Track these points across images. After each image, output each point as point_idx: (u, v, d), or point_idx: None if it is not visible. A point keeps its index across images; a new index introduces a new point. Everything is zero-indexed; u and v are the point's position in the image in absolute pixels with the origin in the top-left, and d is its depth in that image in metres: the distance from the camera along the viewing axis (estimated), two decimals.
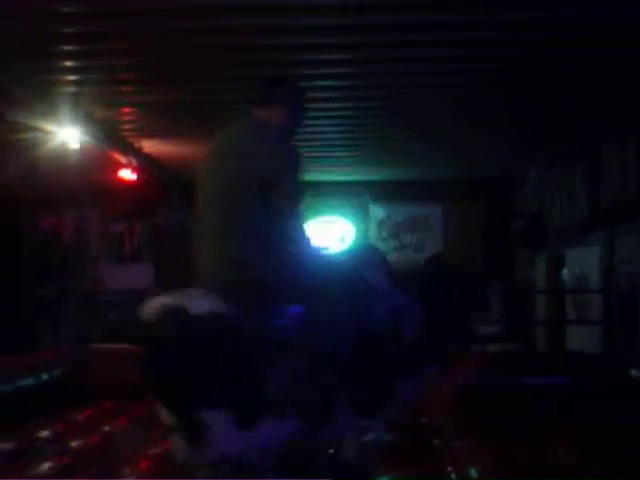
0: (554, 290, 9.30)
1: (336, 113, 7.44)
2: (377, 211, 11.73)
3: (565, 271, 8.88)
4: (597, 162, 7.74)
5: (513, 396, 4.35)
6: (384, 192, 11.35)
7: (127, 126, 7.89)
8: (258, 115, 3.20)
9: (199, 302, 2.72)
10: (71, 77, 6.12)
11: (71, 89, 6.35)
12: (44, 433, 3.65)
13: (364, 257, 3.21)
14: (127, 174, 8.73)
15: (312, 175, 10.42)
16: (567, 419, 3.91)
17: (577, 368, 4.81)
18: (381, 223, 11.76)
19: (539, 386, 4.52)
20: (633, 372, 4.46)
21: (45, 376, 4.37)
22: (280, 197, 2.85)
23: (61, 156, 7.39)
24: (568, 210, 8.75)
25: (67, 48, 5.52)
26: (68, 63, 5.83)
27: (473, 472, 3.06)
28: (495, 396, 4.32)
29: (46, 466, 3.18)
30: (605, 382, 4.48)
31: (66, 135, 7.11)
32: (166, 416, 2.71)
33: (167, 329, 2.67)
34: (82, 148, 7.38)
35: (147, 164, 9.08)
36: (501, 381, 4.52)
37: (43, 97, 6.42)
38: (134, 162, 8.65)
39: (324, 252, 3.33)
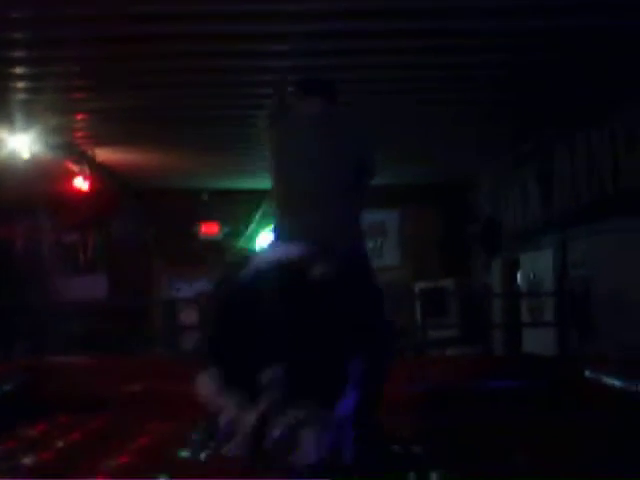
0: (510, 294, 9.42)
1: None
2: None
3: (520, 274, 9.01)
4: (549, 166, 7.88)
5: (470, 400, 4.38)
6: None
7: (80, 134, 7.78)
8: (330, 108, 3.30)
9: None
10: (22, 84, 6.02)
11: (23, 96, 6.25)
12: None
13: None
14: (80, 183, 8.60)
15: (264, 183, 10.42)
16: (523, 421, 3.96)
17: (533, 370, 4.87)
18: None
19: (496, 389, 4.57)
20: (587, 373, 4.54)
21: None
22: (367, 182, 3.20)
23: (13, 164, 7.26)
24: (522, 214, 8.88)
25: (18, 54, 5.43)
26: (19, 70, 5.74)
27: (434, 477, 3.08)
28: (452, 400, 4.35)
29: None
30: (560, 383, 4.55)
31: (18, 143, 6.99)
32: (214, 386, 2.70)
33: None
34: (34, 156, 7.25)
35: (101, 173, 8.96)
36: (458, 385, 4.56)
37: None
38: (87, 171, 8.53)
39: None
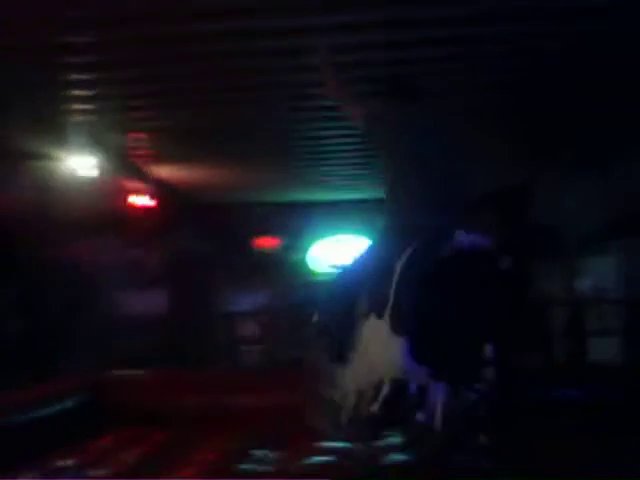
0: (573, 301, 9.21)
1: (348, 132, 7.45)
2: None
3: (584, 281, 8.80)
4: (614, 170, 7.69)
5: (536, 410, 4.29)
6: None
7: (139, 152, 7.94)
8: None
9: None
10: (83, 106, 6.18)
11: (83, 117, 6.41)
12: (64, 463, 3.64)
13: None
14: (143, 200, 8.77)
15: (323, 195, 10.45)
16: (589, 432, 3.86)
17: (599, 380, 4.74)
18: None
19: (562, 399, 4.47)
20: None
21: (64, 404, 4.36)
22: None
23: (75, 184, 7.44)
24: (585, 220, 8.69)
25: (77, 77, 5.58)
26: (79, 92, 5.89)
27: None
28: (518, 410, 4.26)
29: None
30: (628, 394, 4.42)
31: (79, 163, 7.16)
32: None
33: None
34: (96, 175, 7.42)
35: (163, 190, 9.13)
36: (524, 395, 4.47)
37: (56, 126, 6.48)
38: (150, 188, 8.69)
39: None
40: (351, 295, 3.15)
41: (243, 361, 9.32)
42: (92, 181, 7.46)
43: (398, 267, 3.02)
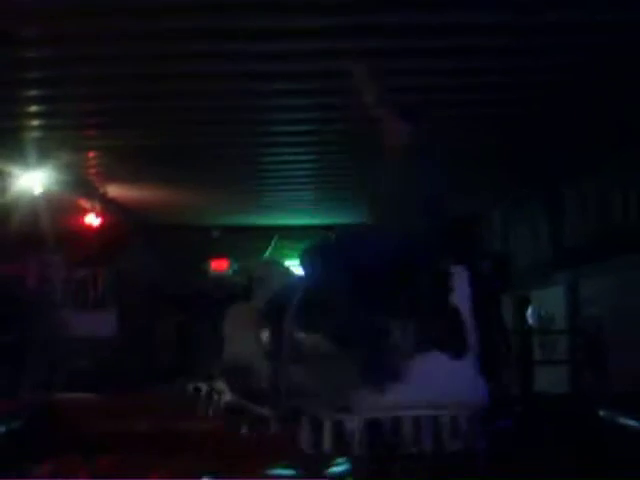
0: (521, 331, 9.34)
1: (304, 157, 7.50)
2: None
3: (530, 311, 8.94)
4: (560, 203, 7.87)
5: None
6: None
7: (92, 170, 7.84)
8: None
9: None
10: (35, 122, 6.09)
11: (35, 134, 6.31)
12: None
13: None
14: (91, 219, 8.64)
15: (280, 219, 10.44)
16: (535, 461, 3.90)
17: (545, 409, 4.80)
18: None
19: (507, 428, 4.50)
20: (600, 412, 4.48)
21: (3, 429, 4.24)
22: None
23: (25, 201, 7.30)
24: (533, 250, 8.85)
25: (32, 93, 5.50)
26: (32, 108, 5.80)
27: None
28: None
29: None
30: (574, 422, 4.48)
31: (30, 179, 7.04)
32: None
33: None
34: (46, 193, 7.30)
35: (111, 209, 9.01)
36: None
37: (8, 142, 6.36)
38: (98, 207, 8.57)
39: None
40: None
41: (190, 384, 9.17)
42: (42, 198, 7.33)
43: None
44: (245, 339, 2.97)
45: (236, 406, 2.92)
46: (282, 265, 3.48)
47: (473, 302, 2.95)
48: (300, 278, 3.11)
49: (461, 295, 2.93)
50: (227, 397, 2.93)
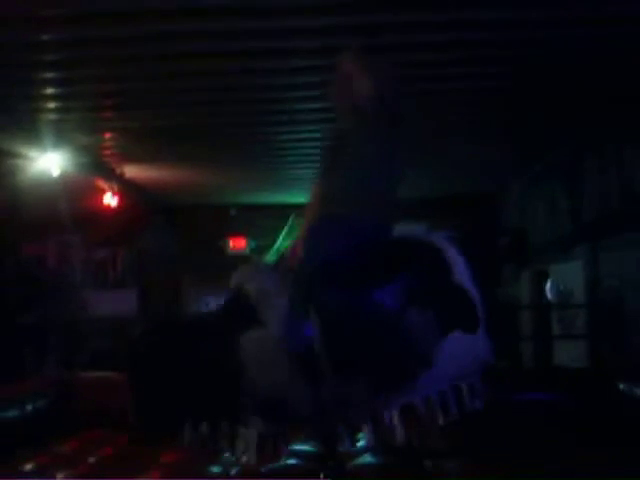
0: (539, 305, 9.32)
1: (320, 135, 7.47)
2: None
3: (549, 286, 8.91)
4: (578, 175, 7.81)
5: (502, 413, 4.33)
6: None
7: (109, 152, 7.88)
8: None
9: None
10: (52, 104, 6.11)
11: (53, 116, 6.34)
12: (28, 466, 3.60)
13: None
14: (110, 200, 8.70)
15: (297, 197, 10.44)
16: (555, 435, 3.91)
17: (565, 383, 4.81)
18: None
19: (527, 402, 4.52)
20: (620, 386, 4.47)
21: (30, 406, 4.31)
22: None
23: (44, 182, 7.36)
24: (551, 225, 8.80)
25: (48, 75, 5.52)
26: (49, 90, 5.83)
27: None
28: (484, 413, 4.30)
29: None
30: (594, 397, 4.48)
31: (48, 161, 7.08)
32: None
33: None
34: (64, 174, 7.35)
35: (129, 190, 9.06)
36: (489, 398, 4.51)
37: (25, 124, 6.40)
38: (116, 188, 8.62)
39: None
40: None
41: None
42: (60, 180, 7.38)
43: None
44: (274, 368, 2.83)
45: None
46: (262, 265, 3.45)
47: (471, 273, 2.98)
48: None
49: (460, 270, 2.97)
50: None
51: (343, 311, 2.83)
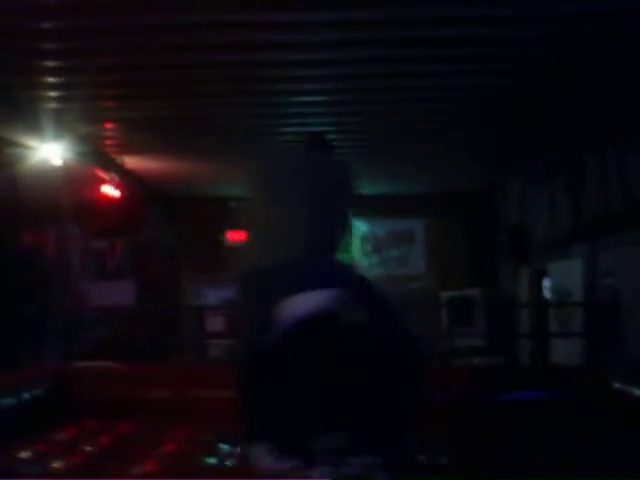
0: (537, 303, 9.35)
1: (318, 129, 7.47)
2: (359, 225, 11.74)
3: (548, 284, 8.93)
4: (579, 174, 7.81)
5: (496, 411, 4.34)
6: (366, 206, 11.40)
7: (109, 142, 7.88)
8: None
9: None
10: (53, 93, 6.11)
11: (53, 105, 6.34)
12: (25, 454, 3.60)
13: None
14: (109, 190, 8.70)
15: None
16: (550, 433, 3.92)
17: (560, 381, 4.82)
18: (364, 238, 11.79)
19: (522, 400, 4.53)
20: (616, 385, 4.48)
21: (26, 395, 4.31)
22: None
23: (43, 172, 7.36)
24: (550, 223, 8.81)
25: (49, 64, 5.52)
26: (50, 79, 5.82)
27: None
28: (478, 411, 4.32)
29: None
30: (588, 395, 4.49)
31: (48, 151, 7.08)
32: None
33: None
34: (64, 164, 7.35)
35: (129, 180, 9.06)
36: (484, 396, 4.53)
37: (25, 113, 6.39)
38: (116, 178, 8.62)
39: None
40: None
41: (209, 354, 9.29)
42: (60, 170, 7.38)
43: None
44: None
45: None
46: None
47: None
48: None
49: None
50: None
51: None
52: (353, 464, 2.62)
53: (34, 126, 6.60)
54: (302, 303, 2.64)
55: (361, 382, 2.68)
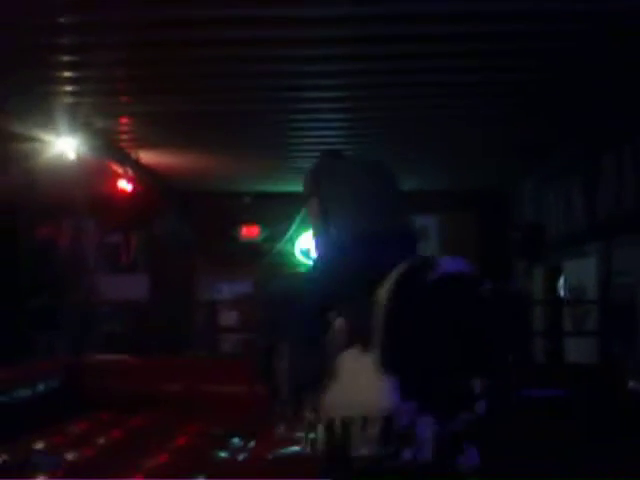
0: (552, 301, 9.29)
1: (335, 124, 7.47)
2: None
3: (562, 282, 8.88)
4: (594, 173, 7.75)
5: (512, 408, 4.33)
6: None
7: (124, 137, 7.89)
8: None
9: None
10: (69, 88, 6.13)
11: (69, 100, 6.36)
12: (40, 445, 3.63)
13: None
14: (124, 184, 8.72)
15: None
16: (565, 430, 3.90)
17: (575, 380, 4.79)
18: None
19: (537, 398, 4.51)
20: (631, 383, 4.45)
21: (41, 387, 4.34)
22: None
23: (59, 166, 7.39)
24: (565, 221, 8.76)
25: (65, 59, 5.53)
26: (66, 74, 5.84)
27: None
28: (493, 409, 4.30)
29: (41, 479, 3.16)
30: (603, 393, 4.47)
31: (64, 145, 7.10)
32: None
33: None
34: (80, 158, 7.37)
35: (144, 174, 9.08)
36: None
37: (41, 108, 6.42)
38: (131, 172, 8.64)
39: None
40: (318, 305, 3.04)
41: (222, 349, 9.31)
42: (75, 164, 7.41)
43: (384, 294, 2.87)
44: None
45: None
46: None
47: None
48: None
49: None
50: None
51: None
52: (457, 420, 2.78)
53: (50, 121, 6.62)
54: (452, 262, 3.02)
55: (495, 335, 2.92)
